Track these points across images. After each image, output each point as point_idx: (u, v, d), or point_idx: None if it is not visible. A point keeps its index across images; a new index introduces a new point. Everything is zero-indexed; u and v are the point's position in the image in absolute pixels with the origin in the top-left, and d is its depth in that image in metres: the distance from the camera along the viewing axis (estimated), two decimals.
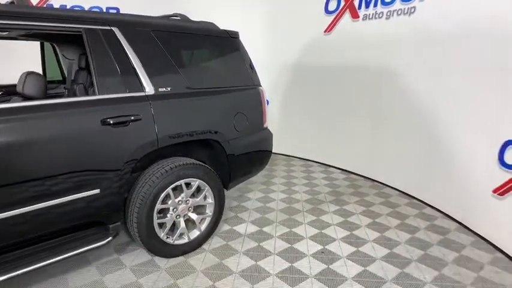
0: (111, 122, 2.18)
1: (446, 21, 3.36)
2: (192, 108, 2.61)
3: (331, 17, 4.73)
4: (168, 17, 2.87)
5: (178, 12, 2.93)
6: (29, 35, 3.09)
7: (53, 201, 2.02)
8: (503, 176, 2.79)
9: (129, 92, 2.31)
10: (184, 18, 2.89)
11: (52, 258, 2.10)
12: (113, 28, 2.33)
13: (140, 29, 2.45)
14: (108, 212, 2.32)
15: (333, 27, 4.73)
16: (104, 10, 5.81)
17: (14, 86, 2.54)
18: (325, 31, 4.84)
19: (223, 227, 3.19)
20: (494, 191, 2.87)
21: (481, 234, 3.06)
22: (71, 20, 2.18)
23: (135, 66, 2.36)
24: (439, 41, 3.45)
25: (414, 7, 3.72)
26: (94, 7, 5.85)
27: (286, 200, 3.83)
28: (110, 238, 2.35)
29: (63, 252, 2.16)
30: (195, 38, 2.78)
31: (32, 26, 2.06)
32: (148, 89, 2.40)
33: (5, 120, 1.82)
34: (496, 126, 2.84)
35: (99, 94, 2.20)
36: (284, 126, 5.53)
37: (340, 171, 4.90)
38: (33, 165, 1.92)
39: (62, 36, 3.12)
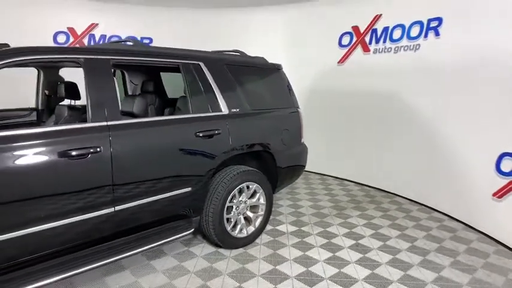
0: (201, 134, 2.79)
1: (446, 54, 4.11)
2: (254, 125, 3.24)
3: (344, 50, 5.50)
4: (230, 52, 3.54)
5: (237, 49, 3.60)
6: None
7: (161, 195, 2.59)
8: (501, 181, 3.47)
9: (212, 112, 2.93)
10: (242, 54, 3.57)
11: (152, 243, 2.63)
12: (199, 63, 2.97)
13: (217, 63, 3.10)
14: (193, 207, 2.88)
15: (345, 58, 5.49)
16: (139, 39, 6.45)
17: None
18: (338, 62, 5.59)
19: (267, 227, 3.75)
20: (494, 195, 3.54)
21: (484, 232, 3.70)
22: (173, 57, 2.82)
23: (215, 91, 3.00)
24: (440, 71, 4.19)
25: (419, 44, 4.49)
26: (130, 37, 6.49)
27: (314, 206, 4.42)
28: (193, 229, 2.90)
29: (159, 239, 2.69)
30: (253, 70, 3.45)
31: (146, 61, 2.69)
32: (224, 109, 3.03)
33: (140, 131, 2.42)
34: (493, 141, 3.54)
35: (192, 113, 2.81)
36: None
37: (353, 183, 5.53)
38: (151, 166, 2.50)
39: (135, 65, 3.74)
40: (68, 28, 6.11)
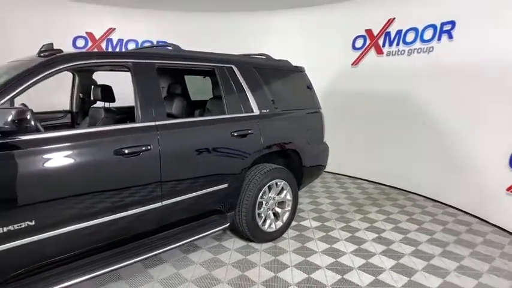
0: (236, 134, 2.97)
1: (460, 56, 4.30)
2: (282, 125, 3.42)
3: (358, 53, 5.69)
4: (256, 55, 3.72)
5: (263, 53, 3.78)
6: None
7: (202, 191, 2.77)
8: None
9: (244, 113, 3.11)
10: (268, 57, 3.75)
11: (192, 237, 2.80)
12: (232, 66, 3.15)
13: (247, 66, 3.28)
14: (229, 202, 3.06)
15: (359, 61, 5.68)
16: (155, 43, 6.63)
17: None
18: (352, 64, 5.78)
19: (292, 223, 3.91)
20: (508, 189, 3.72)
21: (498, 225, 3.88)
22: (208, 60, 3.00)
23: (246, 93, 3.18)
24: (453, 72, 4.37)
25: (432, 47, 4.68)
26: (146, 41, 6.69)
27: (333, 204, 4.60)
28: (228, 224, 3.07)
29: (199, 233, 2.86)
30: (278, 72, 3.63)
31: (185, 65, 2.87)
32: (255, 110, 3.21)
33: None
34: (505, 138, 3.73)
35: (227, 114, 2.99)
36: None
37: (367, 182, 5.71)
38: (193, 163, 2.68)
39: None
40: (86, 33, 6.29)
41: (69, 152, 2.10)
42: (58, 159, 2.05)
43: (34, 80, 2.06)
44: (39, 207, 1.99)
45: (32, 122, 1.86)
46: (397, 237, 3.59)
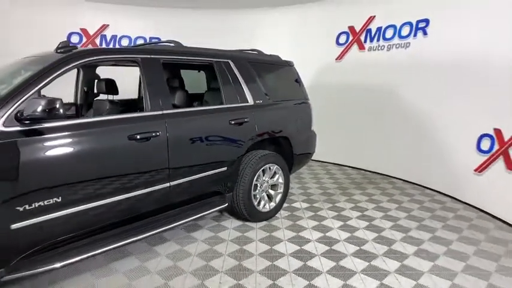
0: (233, 122, 3.28)
1: (433, 51, 4.71)
2: (274, 115, 3.75)
3: (342, 48, 6.05)
4: (249, 51, 4.02)
5: (255, 48, 4.09)
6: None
7: (205, 173, 3.08)
8: (480, 158, 4.08)
9: (240, 103, 3.42)
10: (260, 52, 4.06)
11: (195, 215, 3.12)
12: (229, 61, 3.45)
13: (242, 61, 3.59)
14: (227, 184, 3.37)
15: (343, 55, 6.05)
16: (148, 40, 6.85)
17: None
18: (336, 59, 6.14)
19: (283, 204, 4.25)
20: (475, 170, 4.16)
21: (468, 202, 4.32)
22: (208, 55, 3.30)
23: (242, 85, 3.49)
24: (428, 66, 4.79)
25: (409, 42, 5.08)
26: (139, 37, 6.90)
27: (320, 188, 4.97)
28: (227, 204, 3.39)
29: (200, 211, 3.17)
30: (270, 66, 3.95)
31: (187, 60, 3.16)
32: (250, 101, 3.52)
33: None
34: (473, 124, 4.15)
35: (226, 104, 3.30)
36: None
37: (351, 168, 6.11)
38: (197, 147, 2.99)
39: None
40: (80, 29, 6.46)
41: (90, 137, 2.38)
42: (82, 143, 2.33)
43: (57, 73, 2.32)
44: (64, 186, 2.26)
45: (61, 110, 2.12)
46: (378, 215, 3.98)
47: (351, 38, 5.91)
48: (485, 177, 4.07)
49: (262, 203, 3.73)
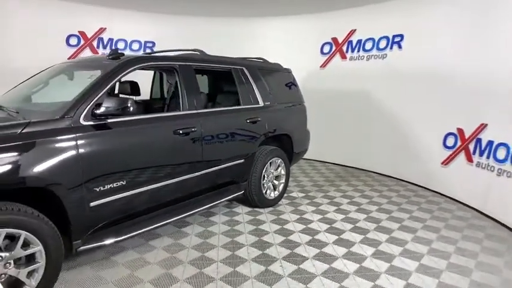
0: (249, 121, 3.84)
1: (407, 62, 5.52)
2: (279, 115, 4.34)
3: (325, 57, 6.78)
4: (255, 59, 4.58)
5: (260, 56, 4.66)
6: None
7: (228, 163, 3.61)
8: (446, 153, 4.92)
9: (253, 104, 3.99)
10: (265, 60, 4.64)
11: (221, 199, 3.65)
12: (243, 68, 4.01)
13: (253, 68, 4.16)
14: (243, 174, 3.91)
15: (326, 64, 6.78)
16: (143, 44, 7.22)
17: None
18: (320, 66, 6.86)
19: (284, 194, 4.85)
20: (442, 163, 4.99)
21: (436, 190, 5.15)
22: (227, 63, 3.84)
23: (254, 89, 4.05)
24: (402, 75, 5.59)
25: (386, 54, 5.88)
26: (134, 41, 7.24)
27: (311, 181, 5.62)
28: (243, 191, 3.94)
29: (222, 197, 3.70)
30: (274, 72, 4.55)
31: (211, 67, 3.68)
32: (261, 102, 4.09)
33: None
34: (441, 124, 4.99)
35: (242, 105, 3.85)
36: None
37: (335, 165, 6.84)
38: (223, 141, 3.52)
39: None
40: (79, 32, 6.71)
41: (145, 131, 2.85)
42: (141, 135, 2.80)
43: (119, 76, 2.78)
44: (127, 172, 2.71)
45: (131, 108, 2.58)
46: (364, 201, 4.69)
47: (334, 48, 6.64)
48: (450, 169, 4.91)
49: (268, 191, 4.31)
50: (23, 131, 2.17)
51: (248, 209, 4.26)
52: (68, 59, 6.56)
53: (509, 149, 3.96)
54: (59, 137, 2.29)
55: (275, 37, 7.24)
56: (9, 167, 2.04)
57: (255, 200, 4.15)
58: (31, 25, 6.16)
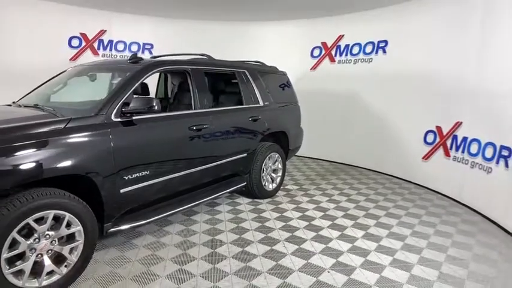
0: (251, 119, 4.24)
1: (391, 66, 6.03)
2: (277, 114, 4.75)
3: (315, 60, 7.23)
4: (253, 62, 4.98)
5: (258, 60, 5.06)
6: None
7: (235, 157, 4.00)
8: (426, 149, 5.44)
9: (254, 104, 4.39)
10: (263, 64, 5.04)
11: (227, 189, 4.03)
12: (245, 70, 4.40)
13: (253, 71, 4.55)
14: (246, 167, 4.30)
15: (316, 66, 7.23)
16: (141, 45, 7.52)
17: None
18: (310, 69, 7.31)
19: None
20: (423, 158, 5.51)
21: (418, 183, 5.67)
22: (231, 66, 4.22)
23: (255, 90, 4.45)
24: (386, 77, 6.09)
25: (372, 58, 6.37)
26: (133, 43, 7.53)
27: (303, 175, 6.06)
28: (245, 183, 4.33)
29: (224, 189, 4.07)
30: (271, 75, 4.96)
31: (217, 70, 4.06)
32: (261, 102, 4.49)
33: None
34: (421, 123, 5.50)
35: (245, 104, 4.25)
36: None
37: (325, 161, 7.30)
38: (230, 137, 3.90)
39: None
40: (80, 33, 6.96)
41: (166, 127, 3.21)
42: (161, 131, 3.16)
43: (143, 79, 3.13)
44: (151, 163, 3.07)
45: (157, 107, 2.93)
46: (353, 192, 5.15)
47: (323, 51, 7.10)
48: (430, 163, 5.42)
49: (267, 183, 4.71)
50: (67, 126, 2.51)
51: (249, 200, 4.65)
52: (70, 60, 6.82)
53: (480, 144, 4.49)
54: (96, 131, 2.63)
55: (269, 40, 7.64)
56: (61, 157, 2.37)
57: (255, 191, 4.54)
58: (34, 27, 6.38)
